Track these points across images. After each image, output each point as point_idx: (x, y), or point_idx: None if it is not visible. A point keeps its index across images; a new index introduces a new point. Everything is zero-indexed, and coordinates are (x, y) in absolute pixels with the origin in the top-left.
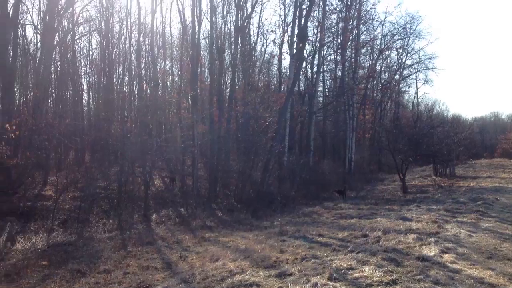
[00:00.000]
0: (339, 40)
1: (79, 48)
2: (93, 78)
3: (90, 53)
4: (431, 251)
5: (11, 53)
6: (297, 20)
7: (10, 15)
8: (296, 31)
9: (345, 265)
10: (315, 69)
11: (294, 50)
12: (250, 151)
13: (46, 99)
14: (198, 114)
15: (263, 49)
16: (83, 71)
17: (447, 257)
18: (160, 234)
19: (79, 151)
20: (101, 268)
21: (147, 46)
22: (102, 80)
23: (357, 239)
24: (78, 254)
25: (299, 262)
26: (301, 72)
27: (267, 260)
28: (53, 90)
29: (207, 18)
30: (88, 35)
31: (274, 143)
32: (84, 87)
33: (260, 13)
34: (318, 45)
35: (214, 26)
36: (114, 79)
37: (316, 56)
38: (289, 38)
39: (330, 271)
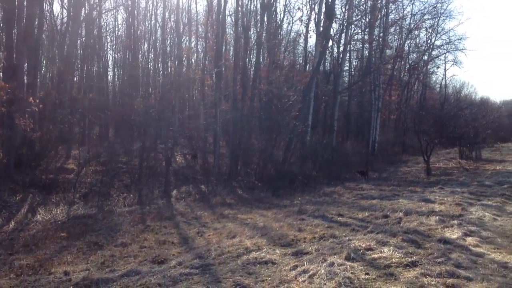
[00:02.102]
0: (367, 19)
1: (105, 24)
2: (119, 54)
3: (116, 29)
4: (453, 233)
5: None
6: None
7: None
8: (323, 9)
9: (363, 245)
10: (341, 48)
11: (321, 28)
12: (272, 129)
13: (71, 74)
14: (221, 91)
15: (289, 28)
16: (109, 47)
17: (470, 240)
18: (180, 210)
19: (103, 126)
20: (118, 241)
21: (172, 23)
22: (127, 56)
23: (377, 220)
24: (97, 226)
25: (317, 241)
26: (327, 51)
27: (285, 238)
28: (79, 66)
29: None
30: (114, 11)
31: (297, 122)
32: (110, 63)
33: None
34: (345, 24)
35: (240, 2)
36: (140, 56)
37: (343, 35)
38: (316, 16)
39: (348, 251)
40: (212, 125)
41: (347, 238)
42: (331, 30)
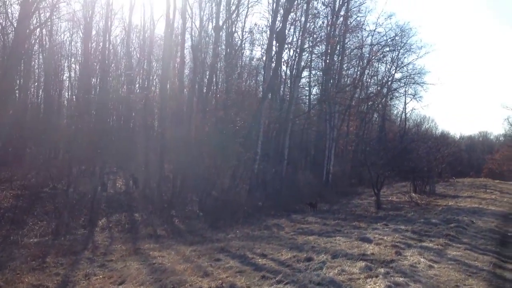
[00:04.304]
0: (323, 47)
1: (60, 41)
2: (73, 73)
3: (72, 47)
4: (375, 287)
5: None
6: (278, 22)
7: None
8: (274, 34)
9: None
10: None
11: (273, 53)
12: (217, 156)
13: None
14: (167, 114)
15: (252, 55)
16: (65, 65)
17: None
18: (97, 242)
19: (32, 146)
20: None
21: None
22: (81, 75)
23: (298, 264)
24: None
25: None
26: (283, 78)
27: (178, 287)
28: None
29: (189, 16)
30: (71, 30)
31: (244, 149)
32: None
33: (246, 17)
34: (298, 50)
35: (189, 24)
36: (97, 76)
37: (296, 61)
38: (268, 40)
39: None
40: (155, 149)
41: None
42: (287, 56)
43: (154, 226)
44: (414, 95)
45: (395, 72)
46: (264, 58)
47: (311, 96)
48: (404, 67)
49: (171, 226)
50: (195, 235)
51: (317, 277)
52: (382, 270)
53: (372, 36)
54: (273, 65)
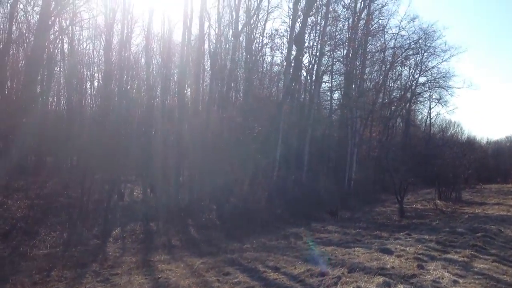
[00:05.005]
0: (344, 51)
1: (81, 49)
2: (97, 82)
3: (93, 56)
4: None
5: None
6: (297, 25)
7: None
8: (294, 37)
9: None
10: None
11: (292, 57)
12: (235, 163)
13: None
14: (185, 121)
15: (273, 61)
16: (87, 74)
17: None
18: (108, 254)
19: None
20: None
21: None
22: (102, 83)
23: (312, 278)
24: None
25: None
26: (303, 83)
27: None
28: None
29: (207, 21)
30: (93, 39)
31: (263, 155)
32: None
33: (265, 22)
34: (318, 54)
35: (206, 30)
36: (117, 85)
37: (316, 65)
38: (287, 44)
39: None
40: (174, 156)
41: None
42: (306, 60)
43: (168, 236)
44: (439, 100)
45: (419, 76)
46: (284, 63)
47: (333, 101)
48: (428, 71)
49: (186, 236)
50: (210, 245)
51: None
52: (401, 286)
53: (395, 39)
54: (292, 69)
